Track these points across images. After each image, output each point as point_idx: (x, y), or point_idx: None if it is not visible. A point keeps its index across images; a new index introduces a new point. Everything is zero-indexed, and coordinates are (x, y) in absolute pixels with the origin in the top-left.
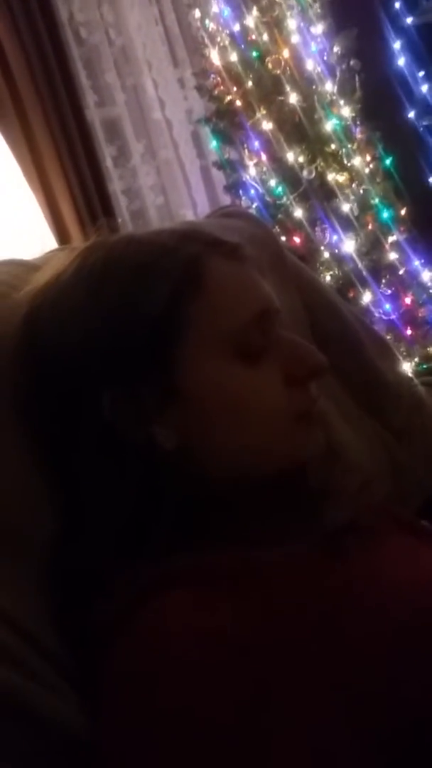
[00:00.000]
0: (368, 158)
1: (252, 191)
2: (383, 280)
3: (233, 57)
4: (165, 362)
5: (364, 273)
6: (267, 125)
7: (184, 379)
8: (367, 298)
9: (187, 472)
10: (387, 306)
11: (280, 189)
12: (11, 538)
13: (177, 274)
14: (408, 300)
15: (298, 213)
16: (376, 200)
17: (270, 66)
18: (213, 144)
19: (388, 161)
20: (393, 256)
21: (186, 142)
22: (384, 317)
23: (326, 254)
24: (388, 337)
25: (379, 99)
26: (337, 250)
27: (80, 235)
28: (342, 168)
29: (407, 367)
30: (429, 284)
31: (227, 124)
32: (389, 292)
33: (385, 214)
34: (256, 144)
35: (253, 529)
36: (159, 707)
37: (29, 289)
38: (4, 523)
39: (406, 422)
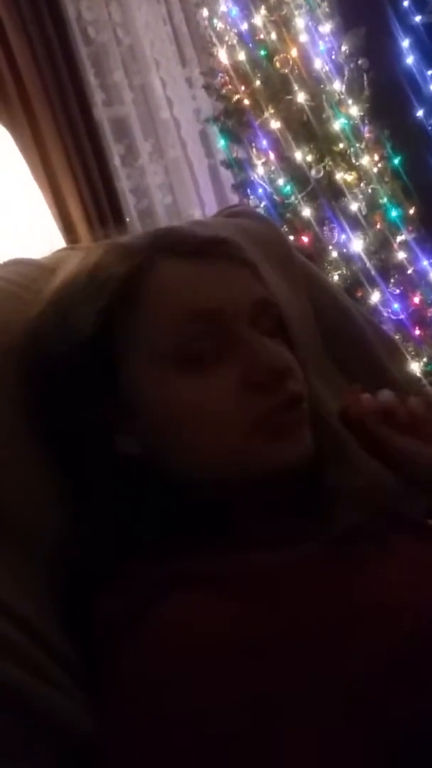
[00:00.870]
0: (376, 157)
1: (260, 190)
2: (392, 280)
3: (241, 56)
4: (109, 380)
5: (373, 272)
6: (275, 124)
7: (135, 391)
8: (375, 297)
9: (166, 475)
10: (395, 306)
11: (288, 188)
12: (21, 536)
13: (108, 293)
14: (416, 300)
15: (306, 212)
16: (385, 199)
17: (278, 65)
18: (221, 143)
19: (396, 160)
20: (401, 255)
21: (194, 141)
22: (392, 317)
23: (334, 253)
24: (397, 337)
25: (388, 98)
26: (345, 250)
27: (88, 233)
28: (350, 167)
29: (415, 368)
30: None
31: (235, 123)
32: (398, 291)
33: (394, 214)
34: (264, 143)
35: (258, 532)
36: (164, 708)
37: (47, 291)
38: (15, 521)
39: None
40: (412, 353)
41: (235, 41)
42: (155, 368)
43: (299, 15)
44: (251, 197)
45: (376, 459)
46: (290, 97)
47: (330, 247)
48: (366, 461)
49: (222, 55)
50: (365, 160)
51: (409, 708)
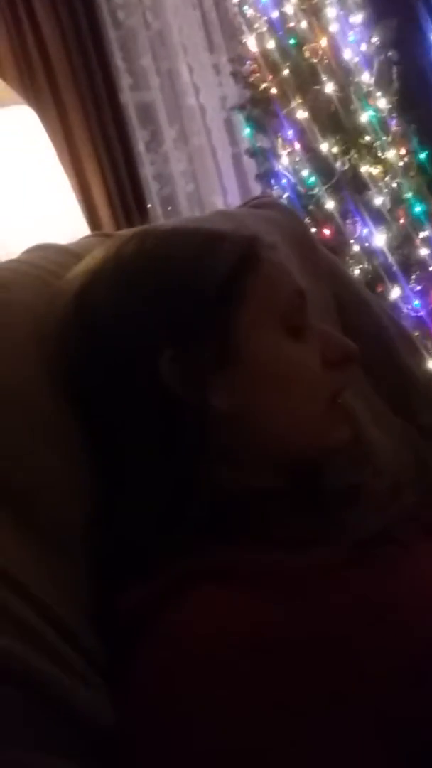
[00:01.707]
0: (403, 151)
1: (284, 180)
2: (413, 276)
3: (270, 44)
4: (223, 328)
5: (394, 268)
6: (302, 114)
7: (240, 345)
8: (395, 293)
9: (236, 438)
10: (416, 302)
11: (312, 179)
12: (55, 531)
13: (236, 253)
14: None
15: (330, 204)
16: (409, 194)
17: (307, 54)
18: (246, 132)
19: (422, 155)
20: (424, 251)
21: (219, 128)
22: (412, 313)
23: (356, 247)
24: (416, 334)
25: (416, 91)
26: (367, 244)
27: (111, 218)
28: (376, 160)
29: None
30: None
31: (261, 112)
32: (418, 288)
33: (418, 209)
34: (290, 133)
35: (285, 533)
36: (185, 707)
37: (72, 276)
38: (48, 515)
39: None
40: None
41: (264, 29)
42: (268, 325)
43: (330, 5)
44: (275, 187)
45: None
46: (318, 87)
47: (352, 241)
48: (390, 461)
49: (251, 43)
50: (391, 154)
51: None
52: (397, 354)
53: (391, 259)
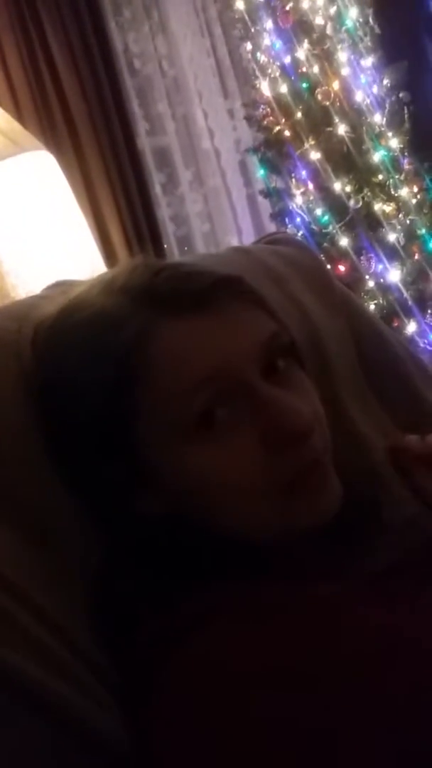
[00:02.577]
0: (415, 189)
1: (298, 219)
2: (429, 311)
3: (283, 88)
4: (124, 446)
5: (410, 303)
6: (315, 155)
7: (149, 462)
8: (411, 328)
9: (197, 532)
10: None
11: (326, 218)
12: (67, 553)
13: (120, 358)
14: None
15: (344, 242)
16: (423, 231)
17: (319, 97)
18: (260, 173)
19: None
20: None
21: (233, 170)
22: (429, 347)
23: (371, 283)
24: None
25: (428, 131)
26: (382, 280)
27: (128, 258)
28: (389, 198)
29: None
30: None
31: (275, 153)
32: None
33: None
34: (304, 173)
35: (299, 565)
36: (206, 737)
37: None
38: (62, 539)
39: None
40: None
41: (277, 74)
42: (168, 438)
43: (342, 49)
44: (289, 226)
45: (418, 500)
46: (331, 128)
47: (367, 277)
48: (407, 497)
49: (264, 88)
50: (404, 192)
51: None
52: (414, 385)
53: (406, 294)
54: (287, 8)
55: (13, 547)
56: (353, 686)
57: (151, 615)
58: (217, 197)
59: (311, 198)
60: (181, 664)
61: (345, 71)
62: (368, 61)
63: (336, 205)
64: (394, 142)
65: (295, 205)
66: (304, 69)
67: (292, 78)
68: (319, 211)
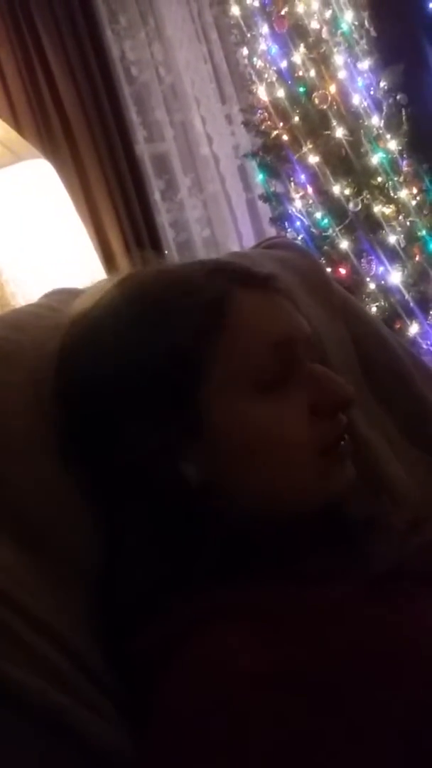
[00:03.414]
0: (415, 191)
1: (297, 223)
2: (431, 312)
3: (280, 93)
4: (188, 399)
5: (411, 304)
6: (313, 159)
7: (208, 416)
8: (413, 329)
9: (218, 508)
10: None
11: (325, 221)
12: (66, 562)
13: (200, 313)
14: None
15: (344, 244)
16: (423, 232)
17: (317, 101)
18: (259, 177)
19: None
20: None
21: (232, 175)
22: (431, 349)
23: (372, 285)
24: None
25: (426, 132)
26: (383, 282)
27: (127, 265)
28: (388, 200)
29: None
30: None
31: (274, 158)
32: None
33: None
34: (303, 177)
35: (299, 568)
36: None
37: (68, 314)
38: (60, 548)
39: None
40: None
41: (274, 78)
42: (232, 393)
43: (338, 52)
44: (289, 230)
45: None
46: (329, 132)
47: (368, 279)
48: (408, 493)
49: (261, 92)
50: (403, 194)
51: None
52: (414, 385)
53: (407, 296)
54: (283, 13)
55: (9, 557)
56: (354, 687)
57: (152, 620)
58: (217, 202)
59: (311, 201)
60: (183, 668)
61: (342, 74)
62: (365, 64)
63: (335, 208)
64: (393, 144)
65: (294, 209)
66: (301, 73)
67: (289, 82)
68: (318, 215)
